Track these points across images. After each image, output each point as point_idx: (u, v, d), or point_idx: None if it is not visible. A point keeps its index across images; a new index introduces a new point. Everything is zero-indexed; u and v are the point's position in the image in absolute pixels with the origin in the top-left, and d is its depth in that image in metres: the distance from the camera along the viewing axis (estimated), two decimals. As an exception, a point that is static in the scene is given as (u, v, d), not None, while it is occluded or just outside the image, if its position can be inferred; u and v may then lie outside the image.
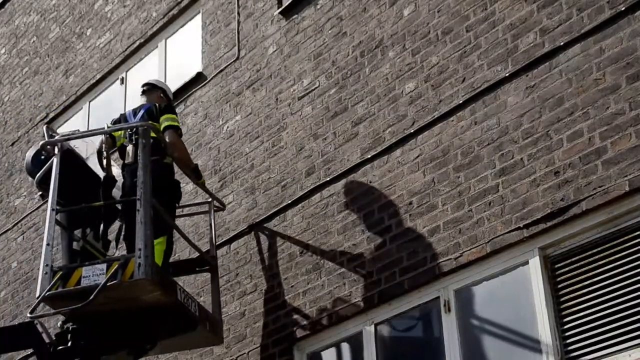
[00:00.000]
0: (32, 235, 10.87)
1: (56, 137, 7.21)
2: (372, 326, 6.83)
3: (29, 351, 9.34)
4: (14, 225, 11.34)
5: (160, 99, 7.83)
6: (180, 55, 10.05)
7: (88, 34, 11.50)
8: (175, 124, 7.47)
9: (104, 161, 7.41)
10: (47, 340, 6.85)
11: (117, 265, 6.38)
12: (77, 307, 6.29)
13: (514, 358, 5.98)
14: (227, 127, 8.76)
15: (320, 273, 7.26)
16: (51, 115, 11.56)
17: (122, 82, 10.73)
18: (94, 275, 6.41)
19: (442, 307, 6.42)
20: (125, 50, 10.68)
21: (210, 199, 8.13)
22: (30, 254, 10.74)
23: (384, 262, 6.80)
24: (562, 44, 6.20)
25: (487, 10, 6.77)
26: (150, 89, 7.94)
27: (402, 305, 6.68)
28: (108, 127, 7.38)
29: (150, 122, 7.29)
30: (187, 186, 8.44)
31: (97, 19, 11.41)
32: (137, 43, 10.54)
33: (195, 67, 9.54)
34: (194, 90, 9.37)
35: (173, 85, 9.70)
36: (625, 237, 5.60)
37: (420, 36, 7.22)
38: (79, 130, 8.17)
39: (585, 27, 6.10)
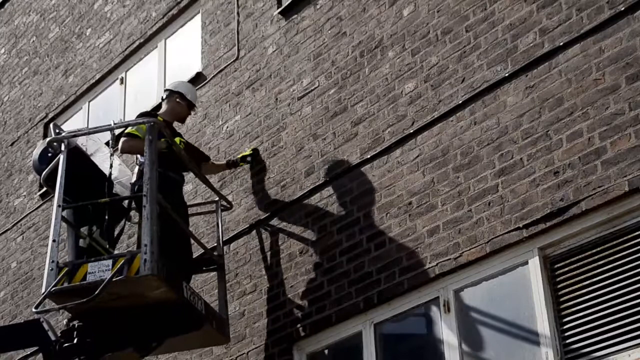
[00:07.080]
0: (32, 235, 10.87)
1: (63, 134, 7.19)
2: (372, 326, 6.83)
3: (29, 351, 9.40)
4: (13, 225, 11.34)
5: (177, 105, 7.87)
6: (179, 55, 10.04)
7: (87, 34, 11.50)
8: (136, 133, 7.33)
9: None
10: (53, 338, 6.85)
11: (122, 261, 6.37)
12: (82, 301, 6.27)
13: (514, 358, 5.98)
14: (227, 127, 8.76)
15: (320, 273, 7.26)
16: (51, 115, 11.56)
17: (121, 82, 10.73)
18: (99, 271, 6.39)
19: (441, 307, 6.42)
20: (125, 50, 10.67)
21: (217, 198, 8.14)
22: (30, 254, 10.74)
23: (383, 262, 6.80)
24: (561, 44, 6.20)
25: (486, 10, 6.77)
26: (167, 96, 7.97)
27: (402, 305, 6.68)
28: (114, 124, 7.36)
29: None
30: (185, 187, 8.42)
31: (97, 19, 11.41)
32: (137, 43, 10.54)
33: (194, 67, 9.54)
34: (193, 90, 9.36)
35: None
36: (625, 237, 5.60)
37: (419, 36, 7.22)
38: (86, 127, 8.14)
39: (585, 27, 6.10)
